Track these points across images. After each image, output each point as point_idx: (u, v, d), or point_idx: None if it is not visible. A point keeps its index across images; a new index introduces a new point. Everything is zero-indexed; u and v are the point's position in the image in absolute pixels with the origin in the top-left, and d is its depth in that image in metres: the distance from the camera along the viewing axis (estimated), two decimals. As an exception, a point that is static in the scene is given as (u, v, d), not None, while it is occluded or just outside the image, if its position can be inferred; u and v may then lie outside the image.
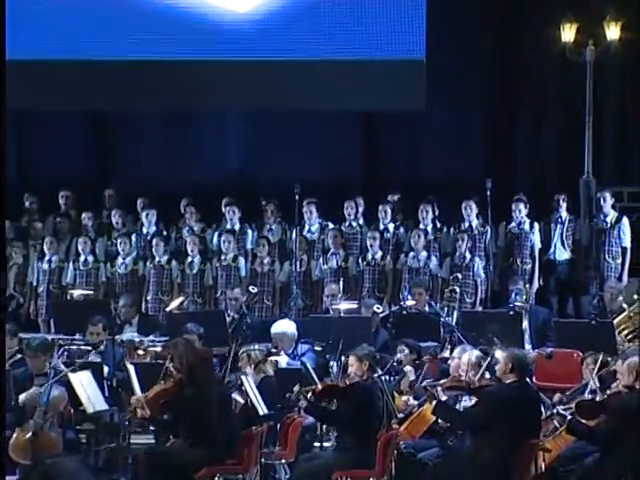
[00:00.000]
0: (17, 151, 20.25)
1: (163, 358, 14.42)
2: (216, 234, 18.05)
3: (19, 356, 14.38)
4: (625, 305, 15.84)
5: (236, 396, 12.90)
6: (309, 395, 12.62)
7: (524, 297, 16.88)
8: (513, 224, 17.69)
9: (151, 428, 13.78)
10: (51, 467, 12.38)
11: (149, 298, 17.51)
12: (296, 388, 12.71)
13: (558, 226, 17.82)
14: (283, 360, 14.40)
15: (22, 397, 13.38)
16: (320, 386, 12.77)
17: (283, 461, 13.03)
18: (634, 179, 18.98)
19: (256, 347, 14.03)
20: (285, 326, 15.14)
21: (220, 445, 12.13)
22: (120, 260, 17.85)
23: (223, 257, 17.69)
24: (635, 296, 15.87)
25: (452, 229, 17.71)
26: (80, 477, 12.51)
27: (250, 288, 17.20)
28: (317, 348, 15.17)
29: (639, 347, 14.27)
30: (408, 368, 13.52)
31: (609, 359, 13.68)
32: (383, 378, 12.95)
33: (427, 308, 16.42)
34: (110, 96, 18.97)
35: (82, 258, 17.87)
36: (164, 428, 12.67)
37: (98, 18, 18.57)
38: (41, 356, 14.02)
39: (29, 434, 12.86)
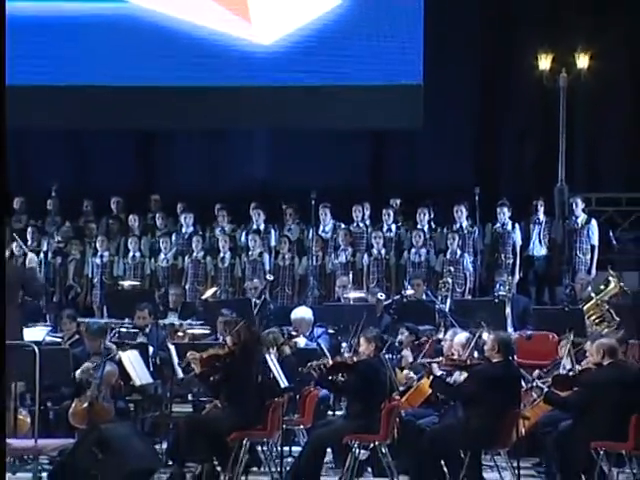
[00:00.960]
0: (77, 163, 20.31)
1: (200, 338, 14.60)
2: (244, 233, 18.06)
3: (77, 337, 14.40)
4: (593, 294, 15.84)
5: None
6: (322, 369, 12.73)
7: (507, 287, 16.93)
8: (498, 225, 17.72)
9: (189, 398, 13.89)
10: (105, 432, 12.42)
11: (187, 288, 17.52)
12: (310, 364, 12.84)
13: (536, 227, 17.84)
14: (302, 341, 14.41)
15: (78, 372, 13.49)
16: (331, 362, 12.87)
17: (301, 427, 13.09)
18: (601, 187, 18.99)
19: (278, 330, 14.15)
20: (303, 312, 15.16)
21: (250, 412, 12.25)
22: (162, 256, 17.90)
23: (250, 253, 17.71)
24: (602, 286, 15.88)
25: (445, 229, 17.72)
26: (129, 441, 12.55)
27: (267, 276, 17.32)
28: (330, 331, 15.18)
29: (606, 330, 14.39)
30: (406, 352, 13.59)
31: (580, 340, 13.75)
32: (387, 356, 13.02)
33: (424, 297, 16.46)
34: (155, 117, 18.98)
35: (130, 254, 17.93)
36: (209, 387, 12.76)
37: (145, 51, 18.55)
38: (98, 339, 14.09)
39: (86, 404, 12.96)
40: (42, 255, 17.82)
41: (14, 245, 16.47)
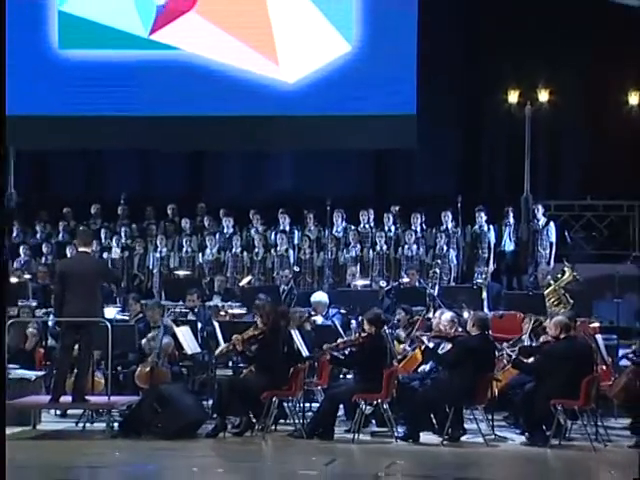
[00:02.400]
0: (141, 177, 20.35)
1: (238, 317, 14.66)
2: (273, 233, 18.02)
3: (140, 315, 14.42)
4: (552, 282, 15.82)
5: None
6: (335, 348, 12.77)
7: (483, 276, 16.93)
8: (476, 226, 17.63)
9: (229, 365, 13.91)
10: (163, 391, 12.47)
11: (228, 276, 17.41)
12: (325, 346, 12.84)
13: (507, 228, 17.80)
14: (319, 319, 14.35)
15: (143, 342, 13.56)
16: (342, 341, 12.89)
17: (319, 388, 13.08)
18: (558, 196, 18.96)
19: (301, 310, 14.18)
20: (320, 296, 15.12)
21: (278, 376, 12.29)
22: (208, 251, 17.85)
23: (278, 249, 17.66)
24: (559, 275, 15.84)
25: (434, 230, 17.65)
26: (182, 398, 12.60)
27: (295, 268, 17.36)
28: (342, 311, 15.15)
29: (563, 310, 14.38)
30: (401, 332, 13.61)
31: (540, 318, 13.77)
32: (387, 331, 13.06)
33: (417, 284, 16.45)
34: (203, 140, 19.02)
35: (183, 249, 17.91)
36: (247, 358, 12.81)
37: (195, 87, 18.59)
38: (155, 309, 14.20)
39: (148, 368, 13.09)
40: (112, 251, 17.92)
41: (94, 243, 16.55)
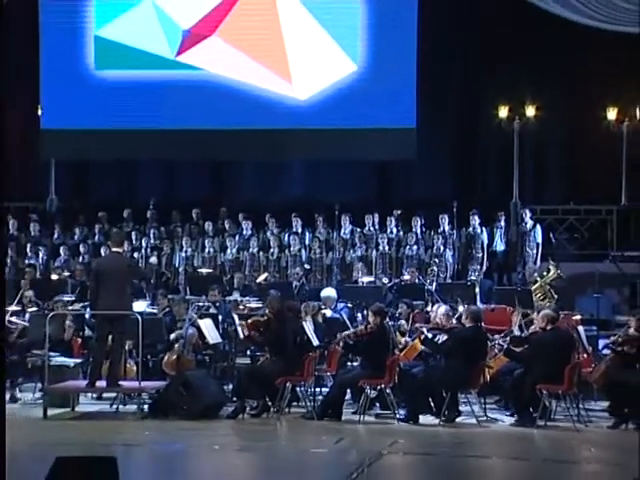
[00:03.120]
0: (168, 184, 20.37)
1: (255, 310, 14.65)
2: (287, 235, 17.95)
3: (168, 309, 14.40)
4: (538, 278, 15.85)
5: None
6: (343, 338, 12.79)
7: (477, 274, 16.98)
8: (470, 229, 17.60)
9: (247, 353, 13.88)
10: (188, 377, 12.48)
11: (246, 274, 17.39)
12: (339, 336, 12.85)
13: (498, 230, 17.78)
14: (328, 313, 14.32)
15: (172, 335, 13.55)
16: (349, 332, 12.89)
17: (328, 374, 13.09)
18: (544, 201, 18.93)
19: (312, 304, 14.18)
20: (329, 291, 15.10)
21: (291, 363, 12.29)
22: (229, 251, 17.84)
23: (291, 249, 17.64)
24: (544, 273, 15.88)
25: (432, 232, 17.62)
26: (205, 383, 12.61)
27: (306, 266, 17.34)
28: (349, 305, 15.16)
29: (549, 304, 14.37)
30: (403, 323, 13.60)
31: (528, 312, 13.77)
32: (390, 323, 13.06)
33: (417, 280, 16.44)
34: (224, 151, 19.04)
35: (206, 250, 17.89)
36: (256, 345, 12.82)
37: (216, 104, 18.60)
38: (181, 303, 14.21)
39: (174, 356, 13.08)
40: (142, 251, 17.93)
41: (126, 243, 16.57)
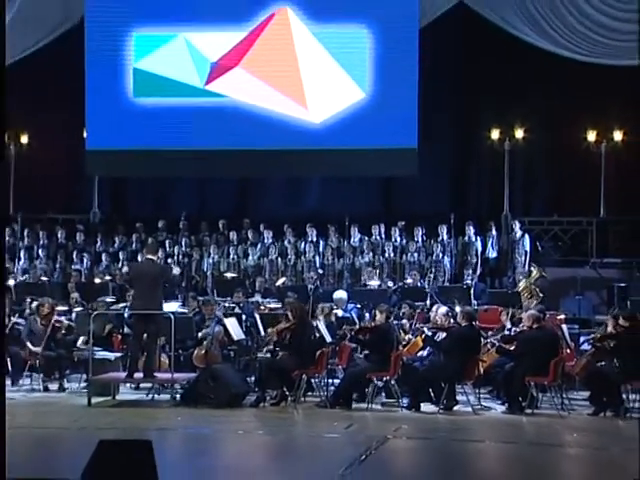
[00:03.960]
0: (198, 198, 20.37)
1: (274, 310, 14.64)
2: (303, 243, 17.93)
3: (197, 309, 14.34)
4: (524, 280, 15.87)
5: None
6: (352, 332, 12.78)
7: (471, 278, 16.94)
8: (466, 238, 17.54)
9: (268, 348, 13.80)
10: (215, 369, 12.48)
11: (266, 278, 17.34)
12: (345, 327, 12.89)
13: (490, 239, 17.74)
14: (340, 312, 14.33)
15: (201, 332, 13.55)
16: (358, 327, 12.91)
17: (340, 367, 13.10)
18: (531, 214, 18.91)
19: (325, 305, 14.18)
20: (341, 294, 15.09)
21: (307, 357, 12.28)
22: (251, 257, 17.82)
23: (307, 256, 17.64)
24: (527, 274, 15.90)
25: (432, 241, 17.58)
26: (230, 375, 12.62)
27: (319, 270, 17.31)
28: (358, 306, 15.14)
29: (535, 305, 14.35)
30: (406, 322, 13.55)
31: (515, 311, 13.78)
32: (394, 322, 13.05)
33: (418, 284, 16.44)
34: (247, 168, 18.98)
35: (231, 256, 17.90)
36: (281, 346, 12.81)
37: (241, 127, 18.53)
38: (209, 304, 14.20)
39: (203, 351, 13.08)
40: (175, 258, 17.93)
41: (160, 251, 16.57)
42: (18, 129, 19.75)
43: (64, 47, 18.99)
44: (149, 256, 13.20)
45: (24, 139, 19.83)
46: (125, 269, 14.04)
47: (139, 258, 17.24)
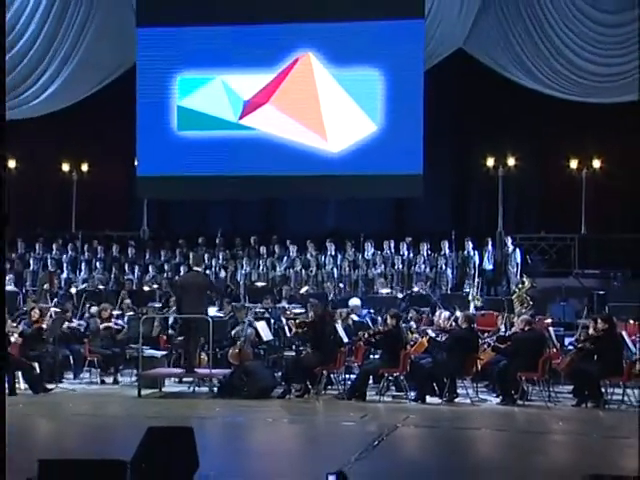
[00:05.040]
0: (231, 218, 20.37)
1: (299, 315, 14.60)
2: (323, 257, 17.83)
3: (232, 314, 14.34)
4: (516, 290, 15.78)
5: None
6: (366, 334, 12.77)
7: (470, 288, 16.85)
8: (465, 252, 17.39)
9: (293, 347, 13.73)
10: (248, 366, 12.50)
11: (291, 286, 17.18)
12: (360, 333, 12.87)
13: (487, 253, 17.56)
14: (355, 317, 14.32)
15: (233, 332, 13.57)
16: (371, 331, 12.88)
17: (355, 364, 13.06)
18: (522, 231, 18.80)
19: (342, 310, 14.15)
20: (355, 301, 15.00)
21: (327, 355, 12.28)
22: (278, 269, 17.74)
23: (326, 268, 17.60)
24: (520, 285, 15.80)
25: (436, 254, 17.45)
26: (261, 370, 12.63)
27: (337, 281, 17.29)
28: (371, 311, 15.10)
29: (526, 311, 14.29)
30: (413, 325, 13.50)
31: (510, 316, 13.72)
32: (403, 325, 13.02)
33: (424, 292, 16.37)
34: (274, 191, 18.99)
35: (261, 268, 17.85)
36: (301, 341, 12.81)
37: (267, 155, 18.51)
38: (242, 309, 14.23)
39: (237, 350, 13.09)
40: (213, 269, 17.91)
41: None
42: (79, 158, 19.91)
43: (119, 88, 19.13)
44: (195, 268, 13.32)
45: (84, 167, 19.96)
46: (178, 280, 14.11)
47: (182, 269, 17.33)
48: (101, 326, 13.81)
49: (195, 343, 12.67)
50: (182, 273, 17.23)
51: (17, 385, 12.40)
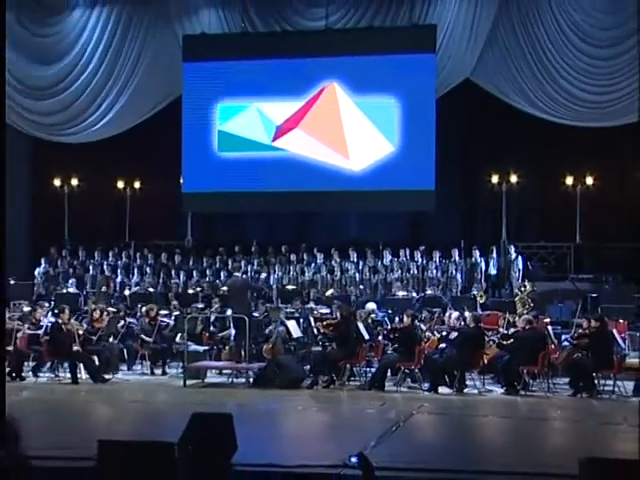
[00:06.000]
0: (266, 229, 20.36)
1: (325, 315, 14.58)
2: (346, 263, 17.73)
3: (266, 313, 14.37)
4: (519, 292, 15.71)
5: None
6: (385, 331, 12.75)
7: (477, 290, 16.76)
8: (473, 259, 17.30)
9: (319, 343, 13.68)
10: (280, 360, 12.50)
11: (318, 289, 17.15)
12: (379, 328, 12.86)
13: (492, 260, 17.46)
14: (374, 317, 14.32)
15: (267, 330, 13.59)
16: (390, 328, 12.87)
17: (375, 358, 12.99)
18: (523, 240, 18.66)
19: (363, 311, 14.11)
20: (372, 305, 14.73)
21: (350, 350, 12.27)
22: (306, 274, 17.75)
23: (349, 273, 17.54)
24: (522, 288, 15.72)
25: (447, 261, 17.34)
26: (291, 364, 12.64)
27: (361, 287, 17.23)
28: (389, 311, 15.08)
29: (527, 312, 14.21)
30: (423, 327, 13.40)
31: (512, 316, 13.66)
32: (418, 324, 12.99)
33: (436, 294, 16.31)
34: (303, 204, 18.96)
35: (291, 273, 17.84)
36: (328, 339, 12.81)
37: (296, 174, 18.47)
38: (275, 310, 14.24)
39: (270, 346, 13.03)
40: (248, 275, 17.87)
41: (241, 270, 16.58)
42: (132, 177, 20.07)
43: (167, 115, 19.26)
44: (236, 273, 13.51)
45: (137, 184, 20.09)
46: (226, 284, 14.30)
47: (221, 274, 17.40)
48: (151, 324, 13.86)
49: (241, 338, 12.68)
50: (222, 278, 17.39)
51: (79, 375, 12.52)
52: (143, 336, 13.70)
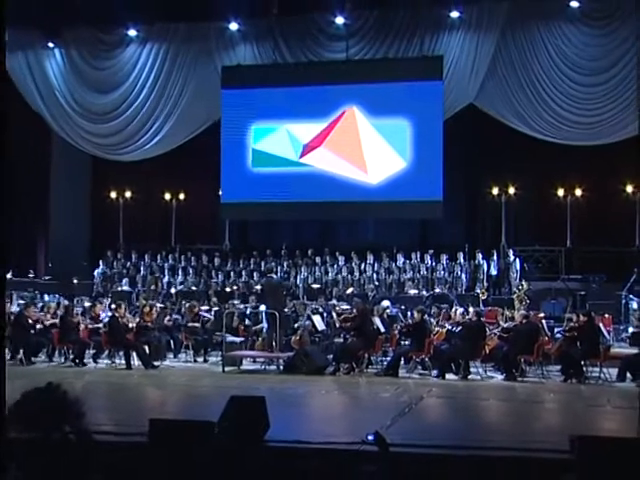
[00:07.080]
0: (293, 235, 20.35)
1: (345, 310, 14.54)
2: (364, 264, 17.76)
3: (293, 309, 14.36)
4: (516, 290, 15.61)
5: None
6: (399, 325, 12.73)
7: (480, 289, 16.68)
8: (476, 261, 17.28)
9: (341, 335, 13.62)
10: (306, 350, 12.53)
11: (340, 288, 17.23)
12: (395, 325, 12.81)
13: (493, 262, 17.43)
14: (389, 312, 14.28)
15: (296, 325, 13.58)
16: (404, 323, 12.84)
17: (390, 348, 12.99)
18: (520, 244, 18.50)
19: (379, 307, 14.08)
20: (386, 302, 14.68)
21: (368, 341, 12.27)
22: (330, 274, 17.81)
23: (367, 273, 17.57)
24: (520, 287, 15.63)
25: (453, 263, 17.33)
26: (316, 353, 12.65)
27: (375, 283, 17.11)
28: (402, 307, 15.04)
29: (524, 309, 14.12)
30: (432, 321, 13.29)
31: (511, 311, 13.58)
32: (427, 318, 12.96)
33: (443, 292, 16.24)
34: (325, 214, 18.92)
35: (316, 273, 17.90)
36: (347, 331, 12.80)
37: (320, 187, 18.50)
38: (301, 306, 14.25)
39: (298, 337, 13.08)
40: (278, 275, 17.80)
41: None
42: (178, 189, 20.24)
43: (208, 135, 19.41)
44: (269, 274, 13.58)
45: (181, 196, 20.27)
46: (262, 283, 14.42)
47: (254, 275, 17.45)
48: (193, 318, 13.94)
49: (273, 330, 12.73)
50: (255, 278, 17.45)
51: (132, 362, 12.64)
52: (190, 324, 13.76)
